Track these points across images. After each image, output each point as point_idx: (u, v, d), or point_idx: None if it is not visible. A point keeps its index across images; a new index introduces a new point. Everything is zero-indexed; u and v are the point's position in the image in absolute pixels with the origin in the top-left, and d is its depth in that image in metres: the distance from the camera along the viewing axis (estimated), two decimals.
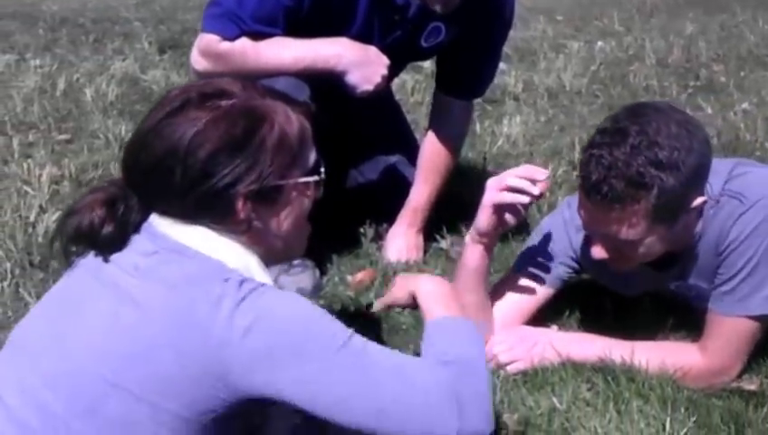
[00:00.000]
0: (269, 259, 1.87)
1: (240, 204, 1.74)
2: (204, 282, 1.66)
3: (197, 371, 1.61)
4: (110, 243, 1.74)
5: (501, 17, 3.16)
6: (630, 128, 2.18)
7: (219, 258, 1.72)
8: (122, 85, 5.50)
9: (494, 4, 3.10)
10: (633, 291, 2.65)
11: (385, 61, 2.86)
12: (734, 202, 2.30)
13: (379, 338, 2.65)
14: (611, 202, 2.17)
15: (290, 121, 1.80)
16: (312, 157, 1.87)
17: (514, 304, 2.59)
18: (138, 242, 1.75)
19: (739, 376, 2.39)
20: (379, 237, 3.34)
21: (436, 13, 2.92)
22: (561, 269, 2.60)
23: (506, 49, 6.82)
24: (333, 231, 3.23)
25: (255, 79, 2.71)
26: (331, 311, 2.77)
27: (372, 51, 2.85)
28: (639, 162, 2.14)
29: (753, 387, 2.36)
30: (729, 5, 9.22)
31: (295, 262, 2.99)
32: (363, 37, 2.86)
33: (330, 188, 3.18)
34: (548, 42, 7.09)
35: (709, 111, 5.20)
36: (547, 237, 2.61)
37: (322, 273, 3.12)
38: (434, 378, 1.63)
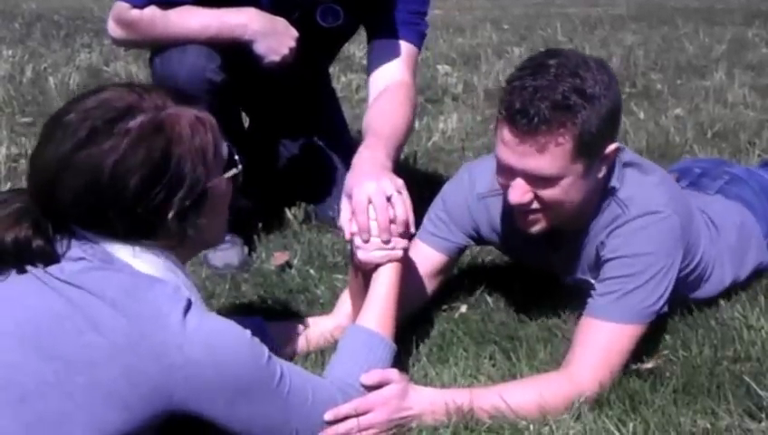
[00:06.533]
0: (193, 254, 1.88)
1: (172, 221, 1.69)
2: (147, 301, 1.62)
3: (146, 389, 1.59)
4: (41, 256, 1.66)
5: None
6: (550, 61, 2.09)
7: (145, 270, 1.68)
8: (85, 75, 5.47)
9: None
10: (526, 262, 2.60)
11: (293, 33, 2.77)
12: (618, 211, 2.25)
13: (297, 311, 2.63)
14: (538, 125, 2.03)
15: (199, 125, 1.73)
16: (225, 149, 1.80)
17: None
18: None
19: (637, 357, 2.28)
20: (308, 219, 3.30)
21: None
22: (459, 237, 2.49)
23: (452, 53, 6.93)
24: (265, 212, 3.21)
25: (165, 46, 2.73)
26: (254, 285, 2.77)
27: (280, 22, 2.76)
28: (564, 87, 2.04)
29: (650, 365, 2.31)
30: (672, 19, 9.27)
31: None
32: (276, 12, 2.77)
33: (262, 172, 3.17)
34: (492, 47, 7.07)
35: (642, 115, 5.18)
36: (446, 204, 2.49)
37: (251, 250, 3.08)
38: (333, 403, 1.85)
